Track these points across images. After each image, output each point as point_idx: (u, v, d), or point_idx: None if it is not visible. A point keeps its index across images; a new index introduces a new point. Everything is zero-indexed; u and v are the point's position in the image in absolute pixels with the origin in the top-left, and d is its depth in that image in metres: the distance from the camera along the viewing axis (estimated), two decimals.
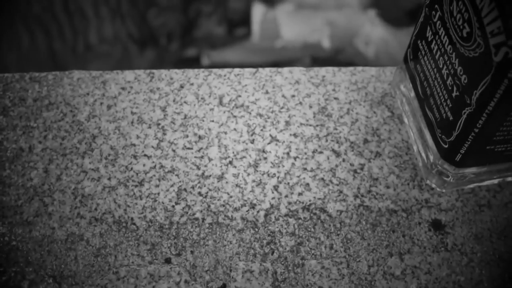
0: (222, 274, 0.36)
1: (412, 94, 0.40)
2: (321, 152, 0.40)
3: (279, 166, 0.40)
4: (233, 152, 0.40)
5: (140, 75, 0.43)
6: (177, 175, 0.39)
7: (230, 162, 0.40)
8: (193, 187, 0.39)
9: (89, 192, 0.38)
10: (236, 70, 0.44)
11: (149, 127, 0.41)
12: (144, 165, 0.39)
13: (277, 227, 0.37)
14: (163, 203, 0.38)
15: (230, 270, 0.36)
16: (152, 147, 0.40)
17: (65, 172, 0.39)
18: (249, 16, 1.32)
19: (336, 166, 0.40)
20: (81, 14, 1.25)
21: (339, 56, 1.26)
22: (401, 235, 0.37)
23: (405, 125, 0.41)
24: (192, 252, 0.36)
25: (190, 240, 0.37)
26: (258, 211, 0.38)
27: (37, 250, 0.36)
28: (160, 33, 1.30)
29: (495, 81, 0.30)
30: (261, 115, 0.42)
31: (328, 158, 0.40)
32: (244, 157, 0.40)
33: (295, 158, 0.40)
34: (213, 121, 0.41)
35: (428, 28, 0.36)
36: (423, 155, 0.39)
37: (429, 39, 0.36)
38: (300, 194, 0.39)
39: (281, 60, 1.27)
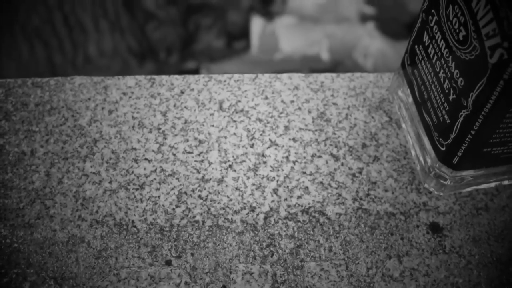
0: (222, 276, 0.36)
1: (410, 99, 0.40)
2: (320, 156, 0.41)
3: (278, 170, 0.40)
4: (233, 156, 0.41)
5: (141, 80, 0.44)
6: (177, 178, 0.40)
7: (230, 166, 0.40)
8: (193, 190, 0.39)
9: (90, 195, 0.39)
10: (236, 76, 0.45)
11: (150, 132, 0.41)
12: (145, 168, 0.40)
13: (277, 230, 0.38)
14: (163, 206, 0.38)
15: (230, 272, 0.36)
16: (153, 151, 0.41)
17: (67, 176, 0.39)
18: (248, 29, 1.33)
19: (335, 170, 0.40)
20: (80, 27, 1.26)
21: (338, 68, 1.27)
22: (400, 237, 0.38)
23: (403, 130, 0.42)
24: (192, 254, 0.37)
25: (190, 243, 0.37)
26: (257, 214, 0.38)
27: (38, 252, 0.36)
28: (159, 46, 1.30)
29: (491, 83, 0.30)
30: (260, 120, 0.42)
31: (327, 162, 0.41)
32: (244, 161, 0.40)
33: (294, 162, 0.41)
34: (213, 125, 0.42)
35: (425, 33, 0.36)
36: (421, 159, 0.39)
37: (426, 44, 0.37)
38: (299, 197, 0.39)
39: (280, 72, 1.27)
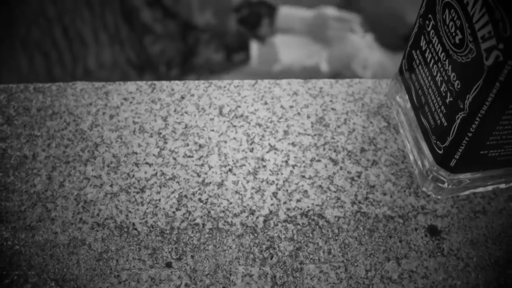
0: (222, 278, 0.36)
1: (408, 105, 0.41)
2: (319, 161, 0.41)
3: (278, 174, 0.41)
4: (232, 160, 0.41)
5: (141, 86, 0.44)
6: (178, 182, 0.40)
7: (230, 170, 0.41)
8: (193, 194, 0.39)
9: (91, 198, 0.39)
10: (236, 82, 0.45)
11: (151, 136, 0.42)
12: (145, 172, 0.40)
13: (276, 233, 0.38)
14: (164, 209, 0.39)
15: (230, 274, 0.36)
16: (154, 155, 0.41)
17: (68, 179, 0.40)
18: (247, 42, 1.34)
19: (334, 174, 0.41)
20: (80, 39, 1.27)
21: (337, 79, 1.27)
22: (398, 240, 0.38)
23: (401, 135, 0.42)
24: (192, 256, 0.37)
25: (191, 245, 0.37)
26: (257, 217, 0.39)
27: (40, 254, 0.37)
28: (159, 61, 1.31)
29: (487, 85, 0.31)
30: (260, 125, 0.43)
31: (326, 166, 0.41)
32: (244, 165, 0.41)
33: (293, 166, 0.41)
34: (213, 130, 0.42)
35: (422, 37, 0.37)
36: (419, 162, 0.40)
37: (423, 48, 0.37)
38: (298, 200, 0.39)
39: None
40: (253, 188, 0.40)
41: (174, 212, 0.39)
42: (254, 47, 1.32)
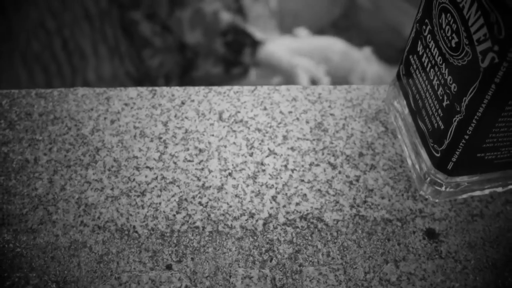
0: (222, 280, 0.37)
1: (406, 110, 0.41)
2: (317, 165, 0.42)
3: (277, 178, 0.41)
4: (232, 165, 0.41)
5: (142, 92, 0.45)
6: (178, 186, 0.40)
7: (230, 174, 0.41)
8: (193, 197, 0.40)
9: (92, 202, 0.39)
10: (235, 87, 0.46)
11: (151, 141, 0.42)
12: (146, 176, 0.41)
13: (276, 236, 0.38)
14: (164, 212, 0.39)
15: (230, 276, 0.37)
16: (154, 159, 0.41)
17: (69, 183, 0.40)
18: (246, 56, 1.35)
19: (333, 178, 0.41)
20: (80, 52, 1.28)
21: None
22: (396, 243, 0.38)
23: (399, 140, 0.43)
24: (192, 259, 0.37)
25: (191, 248, 0.38)
26: (257, 220, 0.39)
27: (41, 257, 0.37)
28: (158, 74, 1.32)
29: (483, 87, 0.31)
30: (259, 130, 0.43)
31: (324, 170, 0.41)
32: (243, 169, 0.41)
33: (292, 170, 0.41)
34: (213, 135, 0.43)
35: (419, 42, 0.38)
36: (417, 166, 0.40)
37: (420, 53, 0.38)
38: (297, 204, 0.40)
39: None
40: (252, 191, 0.40)
41: (174, 215, 0.39)
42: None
